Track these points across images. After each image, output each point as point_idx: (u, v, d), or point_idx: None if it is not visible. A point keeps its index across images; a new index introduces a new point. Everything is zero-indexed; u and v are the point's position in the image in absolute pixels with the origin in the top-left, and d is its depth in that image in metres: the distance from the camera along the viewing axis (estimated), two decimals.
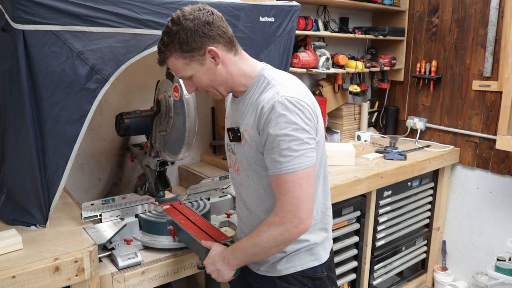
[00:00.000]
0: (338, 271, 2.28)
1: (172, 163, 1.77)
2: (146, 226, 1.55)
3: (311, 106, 1.14)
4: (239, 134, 1.22)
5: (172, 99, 1.58)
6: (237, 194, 1.37)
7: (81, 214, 1.51)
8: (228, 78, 1.20)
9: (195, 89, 1.25)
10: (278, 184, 1.12)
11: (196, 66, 1.17)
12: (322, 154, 1.26)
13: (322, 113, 2.79)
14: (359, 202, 2.30)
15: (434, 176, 2.80)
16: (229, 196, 1.83)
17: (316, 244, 1.27)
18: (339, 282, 2.32)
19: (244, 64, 1.22)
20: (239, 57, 1.22)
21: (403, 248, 2.71)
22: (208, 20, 1.13)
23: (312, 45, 2.52)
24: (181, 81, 1.43)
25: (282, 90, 1.12)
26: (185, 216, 1.58)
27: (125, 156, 2.14)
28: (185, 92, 1.48)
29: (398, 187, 2.50)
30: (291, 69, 2.40)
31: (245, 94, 1.23)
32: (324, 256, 1.29)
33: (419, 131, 3.00)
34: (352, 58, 2.80)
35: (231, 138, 1.25)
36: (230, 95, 1.33)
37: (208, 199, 1.78)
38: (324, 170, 1.29)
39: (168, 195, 1.82)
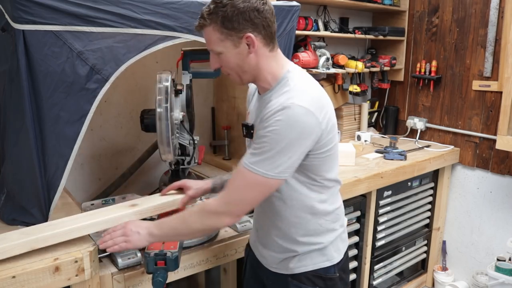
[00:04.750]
0: None
1: (188, 163, 1.77)
2: None
3: (320, 118, 1.11)
4: (252, 131, 1.22)
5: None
6: None
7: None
8: (255, 69, 1.18)
9: (218, 67, 1.21)
10: (237, 174, 1.14)
11: (229, 46, 1.14)
12: (337, 156, 1.27)
13: None
14: (359, 202, 2.30)
15: (434, 176, 2.80)
16: None
17: (327, 244, 1.28)
18: None
19: (275, 63, 1.20)
20: (273, 54, 1.20)
21: (403, 248, 2.71)
22: (258, 8, 1.11)
23: (312, 45, 2.52)
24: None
25: (296, 96, 1.09)
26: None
27: (152, 154, 2.13)
28: (157, 108, 1.49)
29: (398, 187, 2.50)
30: None
31: (267, 92, 1.21)
32: (336, 257, 1.30)
33: (419, 131, 3.00)
34: (352, 58, 2.80)
35: (244, 133, 1.25)
36: (254, 91, 1.34)
37: (208, 199, 1.78)
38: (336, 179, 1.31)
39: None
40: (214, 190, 1.48)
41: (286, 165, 1.08)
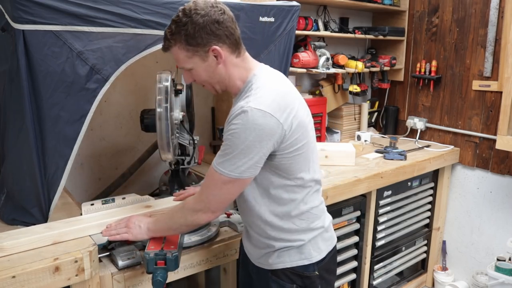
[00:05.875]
0: (338, 271, 2.28)
1: (188, 163, 1.77)
2: None
3: (282, 119, 1.11)
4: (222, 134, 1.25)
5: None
6: None
7: (81, 214, 1.51)
8: (226, 78, 1.22)
9: (192, 81, 1.27)
10: (208, 173, 1.19)
11: (198, 61, 1.18)
12: (313, 155, 1.27)
13: (322, 113, 2.79)
14: (359, 202, 2.30)
15: (434, 176, 2.80)
16: None
17: (305, 243, 1.27)
18: (339, 282, 2.32)
19: (243, 68, 1.23)
20: (241, 59, 1.23)
21: (403, 248, 2.71)
22: (218, 19, 1.14)
23: (312, 45, 2.52)
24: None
25: (254, 100, 1.11)
26: None
27: (152, 154, 2.13)
28: (157, 107, 1.50)
29: (398, 187, 2.50)
30: (291, 69, 2.40)
31: (236, 97, 1.25)
32: (315, 256, 1.29)
33: (419, 131, 3.01)
34: (352, 58, 2.81)
35: (219, 136, 1.27)
36: None
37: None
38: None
39: None
40: None
41: (247, 165, 1.12)
